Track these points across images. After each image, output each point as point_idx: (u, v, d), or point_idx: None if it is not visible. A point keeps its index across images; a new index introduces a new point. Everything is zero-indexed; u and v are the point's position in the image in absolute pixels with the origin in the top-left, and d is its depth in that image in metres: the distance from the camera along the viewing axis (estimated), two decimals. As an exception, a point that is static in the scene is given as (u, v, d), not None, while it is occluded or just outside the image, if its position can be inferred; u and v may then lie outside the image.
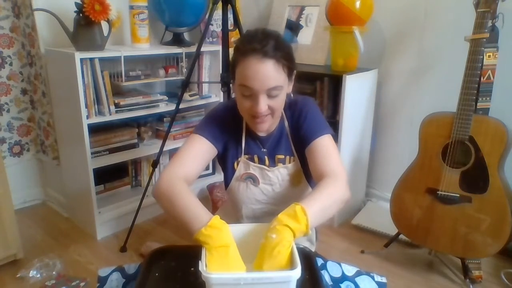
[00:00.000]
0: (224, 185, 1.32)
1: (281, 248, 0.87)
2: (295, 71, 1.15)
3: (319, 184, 1.05)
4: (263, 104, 1.06)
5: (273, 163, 1.24)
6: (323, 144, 1.14)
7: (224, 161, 1.27)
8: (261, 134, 1.22)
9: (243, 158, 1.24)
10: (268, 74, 1.03)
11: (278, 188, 1.24)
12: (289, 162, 1.24)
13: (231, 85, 1.21)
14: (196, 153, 1.15)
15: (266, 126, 1.14)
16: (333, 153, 1.14)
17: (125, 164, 2.37)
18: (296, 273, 0.81)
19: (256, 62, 1.02)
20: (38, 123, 2.37)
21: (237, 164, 1.25)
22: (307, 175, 1.25)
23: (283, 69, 1.06)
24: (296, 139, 1.21)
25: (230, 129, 1.22)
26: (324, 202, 0.99)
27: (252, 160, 1.24)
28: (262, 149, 1.24)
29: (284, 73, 1.07)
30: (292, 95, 1.19)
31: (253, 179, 1.25)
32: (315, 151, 1.13)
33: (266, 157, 1.24)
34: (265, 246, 0.89)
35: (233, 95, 1.38)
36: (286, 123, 1.23)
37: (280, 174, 1.23)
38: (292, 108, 1.22)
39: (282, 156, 1.24)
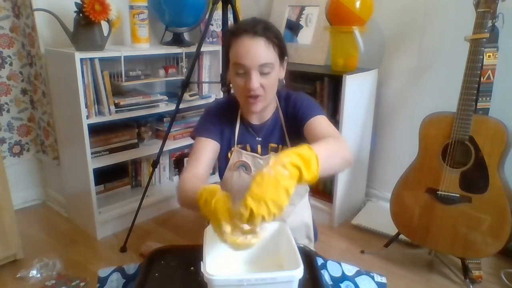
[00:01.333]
0: (219, 176, 1.35)
1: (289, 188, 0.79)
2: (286, 58, 1.20)
3: (323, 139, 1.03)
4: (256, 80, 1.10)
5: (266, 151, 1.28)
6: (321, 121, 1.17)
7: (219, 152, 1.31)
8: (255, 122, 1.27)
9: (236, 148, 1.28)
10: (260, 51, 1.09)
11: None
12: (281, 151, 1.25)
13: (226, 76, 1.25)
14: (201, 152, 1.21)
15: (260, 107, 1.17)
16: (331, 126, 1.16)
17: (125, 164, 2.37)
18: (299, 272, 0.81)
19: (248, 40, 1.09)
20: (38, 123, 2.37)
21: (230, 154, 1.29)
22: None
23: (274, 48, 1.12)
24: (292, 128, 1.25)
25: (223, 121, 1.27)
26: (331, 152, 0.95)
27: (245, 149, 1.28)
28: (257, 138, 1.28)
29: (274, 52, 1.12)
30: (284, 81, 1.23)
31: (245, 167, 1.28)
32: (313, 127, 1.16)
33: (259, 145, 1.28)
34: (270, 176, 0.79)
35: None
36: (280, 114, 1.27)
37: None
38: (287, 101, 1.27)
39: (275, 145, 1.28)
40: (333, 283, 1.06)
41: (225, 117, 1.27)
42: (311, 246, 1.42)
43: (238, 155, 1.28)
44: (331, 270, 1.08)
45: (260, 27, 1.10)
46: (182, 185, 1.10)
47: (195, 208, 0.96)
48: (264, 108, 1.21)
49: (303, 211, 1.41)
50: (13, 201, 1.83)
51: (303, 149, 0.84)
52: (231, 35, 1.14)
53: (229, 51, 1.15)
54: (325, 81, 2.19)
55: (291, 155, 0.82)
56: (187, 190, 1.05)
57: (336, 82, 2.11)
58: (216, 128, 1.25)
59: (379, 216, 2.24)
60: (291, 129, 1.26)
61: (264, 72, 1.11)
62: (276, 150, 1.27)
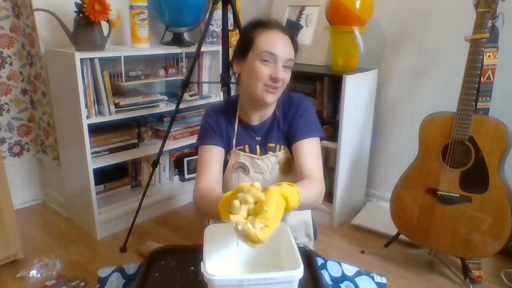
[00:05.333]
0: None
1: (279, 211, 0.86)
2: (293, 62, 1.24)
3: (311, 180, 1.12)
4: (282, 70, 1.16)
5: (264, 151, 1.29)
6: (312, 146, 1.22)
7: None
8: (255, 122, 1.29)
9: (234, 150, 1.29)
10: (287, 46, 1.18)
11: (268, 176, 1.29)
12: (279, 150, 1.29)
13: (235, 62, 1.26)
14: (209, 161, 1.23)
15: (273, 99, 1.20)
16: (319, 158, 1.22)
17: (125, 164, 2.37)
18: (299, 272, 0.81)
19: (280, 34, 1.18)
20: (38, 123, 2.37)
21: (229, 156, 1.30)
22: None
23: (293, 49, 1.21)
24: (287, 131, 1.27)
25: (222, 125, 1.28)
26: (306, 199, 1.01)
27: (243, 150, 1.29)
28: (256, 138, 1.30)
29: (294, 52, 1.21)
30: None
31: (243, 168, 1.30)
32: (302, 150, 1.21)
33: (257, 146, 1.29)
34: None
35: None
36: (278, 113, 1.29)
37: (269, 162, 1.28)
38: (288, 102, 1.29)
39: (273, 145, 1.29)
40: (333, 283, 1.06)
41: (224, 121, 1.29)
42: (311, 245, 1.42)
43: (236, 156, 1.29)
44: (331, 270, 1.09)
45: (286, 27, 1.22)
46: (197, 197, 1.15)
47: (213, 215, 1.00)
48: (273, 102, 1.23)
49: (302, 210, 1.41)
50: (13, 201, 1.82)
51: (293, 192, 0.90)
52: (260, 25, 1.19)
53: (254, 38, 1.17)
54: (325, 81, 2.19)
55: (281, 192, 0.87)
56: (205, 202, 1.08)
57: (336, 82, 2.11)
58: (217, 134, 1.27)
59: (379, 216, 2.24)
60: (286, 132, 1.28)
61: (287, 66, 1.17)
62: (274, 150, 1.28)
